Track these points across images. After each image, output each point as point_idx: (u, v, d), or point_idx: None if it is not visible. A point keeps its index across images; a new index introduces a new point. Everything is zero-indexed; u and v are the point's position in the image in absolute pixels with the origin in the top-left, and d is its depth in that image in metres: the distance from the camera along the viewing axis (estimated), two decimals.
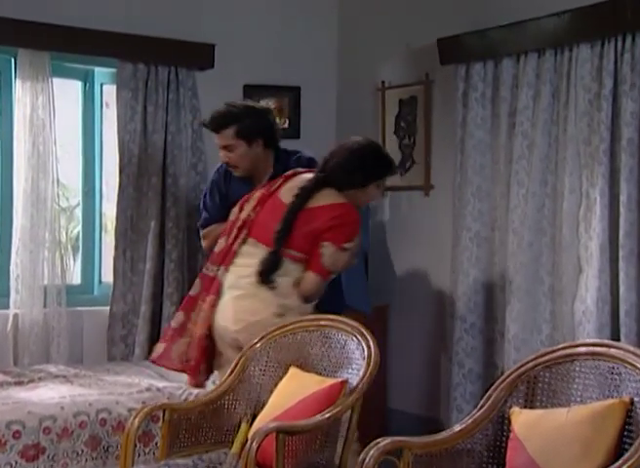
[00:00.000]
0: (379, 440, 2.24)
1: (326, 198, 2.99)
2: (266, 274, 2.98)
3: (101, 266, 4.55)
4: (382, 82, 4.77)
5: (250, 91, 4.85)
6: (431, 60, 4.35)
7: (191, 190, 4.56)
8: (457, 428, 2.38)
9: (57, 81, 4.24)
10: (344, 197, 3.02)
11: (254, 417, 2.90)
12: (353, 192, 3.00)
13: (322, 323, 3.00)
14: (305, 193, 2.99)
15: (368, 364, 2.76)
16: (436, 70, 4.42)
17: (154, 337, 4.35)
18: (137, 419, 2.67)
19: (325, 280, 3.03)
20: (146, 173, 4.45)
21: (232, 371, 3.02)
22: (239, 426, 2.90)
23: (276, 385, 2.94)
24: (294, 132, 4.97)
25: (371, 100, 4.85)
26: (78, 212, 4.93)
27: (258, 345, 3.06)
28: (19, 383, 3.54)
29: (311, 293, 3.03)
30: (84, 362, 4.19)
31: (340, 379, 2.77)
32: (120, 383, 3.58)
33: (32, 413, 3.16)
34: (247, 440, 2.58)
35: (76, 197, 4.98)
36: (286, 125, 4.96)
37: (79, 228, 4.78)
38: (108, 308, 4.33)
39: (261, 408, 2.91)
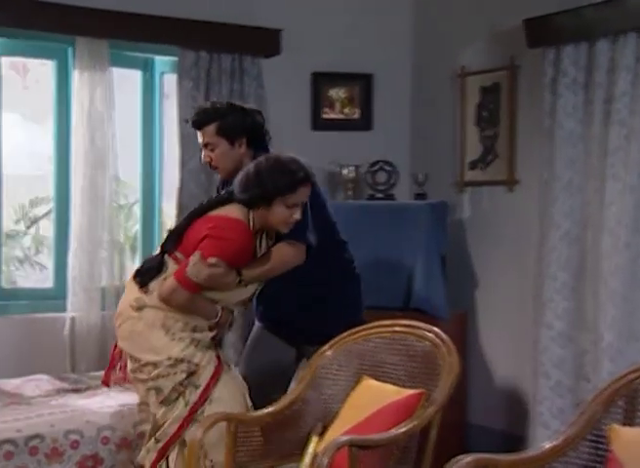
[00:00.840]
0: (460, 457, 2.23)
1: (224, 210, 2.95)
2: (141, 272, 2.98)
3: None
4: (462, 68, 4.74)
5: (318, 79, 4.89)
6: (517, 43, 4.31)
7: None
8: (547, 446, 2.35)
9: (115, 71, 4.35)
10: (255, 216, 2.93)
11: (324, 429, 2.92)
12: (260, 212, 2.92)
13: (398, 329, 3.02)
14: (210, 203, 3.02)
15: (448, 374, 2.75)
16: (522, 54, 4.37)
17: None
18: (200, 430, 2.71)
19: (184, 288, 2.86)
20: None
21: (302, 380, 3.05)
22: (308, 439, 2.92)
23: (348, 395, 2.95)
24: (365, 123, 4.99)
25: (449, 88, 4.82)
26: (137, 210, 5.04)
27: (328, 352, 3.09)
28: (76, 390, 3.63)
29: (167, 298, 2.89)
30: None
31: (417, 390, 2.77)
32: None
33: (90, 423, 3.24)
34: (317, 454, 2.60)
35: (135, 194, 5.09)
36: (357, 115, 4.97)
37: (138, 227, 4.89)
38: None
39: (332, 419, 2.93)
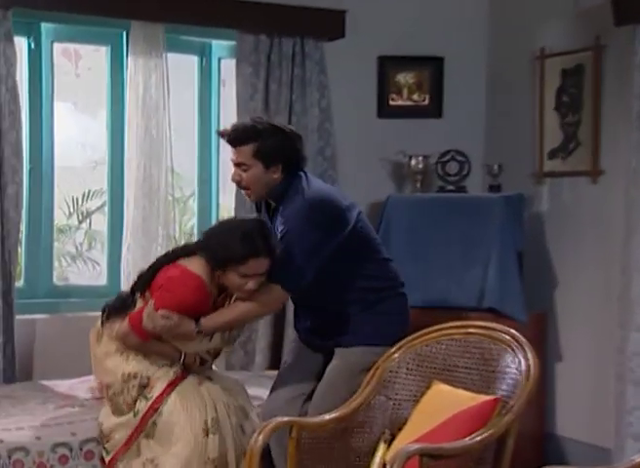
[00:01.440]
0: None
1: (188, 261, 3.06)
2: (108, 310, 3.13)
3: None
4: (542, 49, 4.66)
5: (385, 63, 4.87)
6: (603, 22, 4.22)
7: (318, 178, 4.61)
8: (637, 460, 2.30)
9: (170, 57, 4.39)
10: (220, 275, 3.01)
11: (393, 437, 2.91)
12: (219, 273, 3.01)
13: (471, 331, 3.00)
14: (176, 253, 3.13)
15: (526, 379, 2.72)
16: (609, 33, 4.28)
17: (277, 344, 4.44)
18: (261, 436, 2.73)
19: (135, 333, 3.01)
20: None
21: (367, 385, 3.04)
22: (375, 447, 2.92)
23: (418, 401, 2.94)
24: (435, 110, 4.96)
25: (527, 71, 4.75)
26: (193, 203, 5.10)
27: (395, 355, 3.08)
28: None
29: (121, 340, 3.05)
30: None
31: (492, 397, 2.75)
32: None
33: None
34: (385, 463, 2.59)
35: (191, 186, 5.14)
36: (426, 102, 4.94)
37: (194, 222, 4.94)
38: None
39: (401, 426, 2.92)
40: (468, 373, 2.93)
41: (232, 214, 4.56)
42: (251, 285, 3.00)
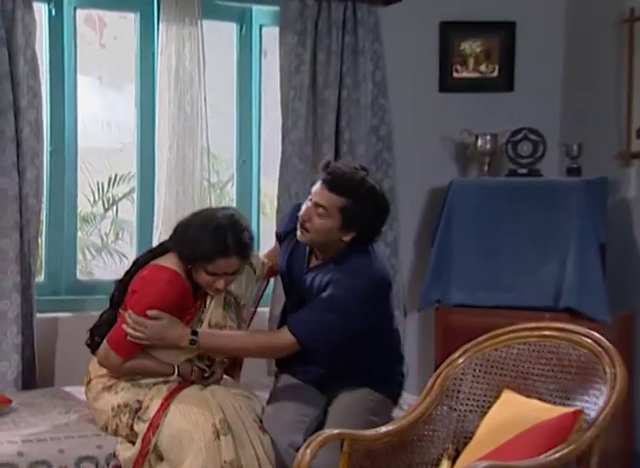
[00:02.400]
0: None
1: (159, 259, 3.22)
2: (92, 333, 3.29)
3: (260, 249, 4.68)
4: (631, 10, 4.60)
5: (448, 30, 4.85)
6: None
7: (372, 160, 4.62)
8: None
9: (206, 24, 4.40)
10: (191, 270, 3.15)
11: (457, 453, 2.91)
12: (190, 268, 3.17)
13: (547, 333, 2.98)
14: (153, 253, 3.29)
15: (611, 389, 2.70)
16: None
17: None
18: (309, 450, 2.75)
19: (114, 351, 3.16)
20: (315, 138, 4.55)
21: (428, 394, 3.04)
22: (438, 464, 2.92)
23: (486, 413, 2.93)
24: (506, 82, 4.93)
25: (613, 37, 4.69)
26: (231, 188, 5.12)
27: (460, 360, 3.07)
28: None
29: (103, 364, 3.21)
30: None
31: (572, 408, 2.73)
32: None
33: None
34: None
35: (228, 170, 5.19)
36: (495, 73, 4.91)
37: None
38: (268, 309, 4.46)
39: (467, 441, 2.91)
40: (544, 382, 2.91)
41: (274, 201, 4.58)
42: (219, 284, 3.15)
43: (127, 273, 3.29)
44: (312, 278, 3.27)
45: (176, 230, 3.23)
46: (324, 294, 3.17)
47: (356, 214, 3.17)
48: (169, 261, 3.19)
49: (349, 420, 3.17)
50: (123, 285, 3.25)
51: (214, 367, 3.30)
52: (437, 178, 4.80)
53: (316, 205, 3.18)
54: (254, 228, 4.63)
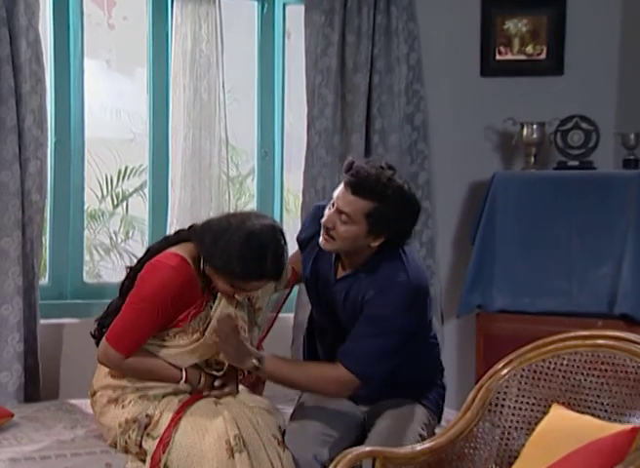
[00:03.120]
0: None
1: (176, 247, 3.23)
2: (99, 322, 3.33)
3: None
4: None
5: (491, 7, 4.84)
6: None
7: (405, 151, 4.62)
8: None
9: (225, 2, 4.41)
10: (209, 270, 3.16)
11: None
12: (208, 268, 3.17)
13: (600, 342, 2.96)
14: (169, 240, 3.31)
15: None
16: None
17: None
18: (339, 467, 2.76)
19: (113, 347, 3.17)
20: (344, 128, 4.55)
21: (468, 408, 3.03)
22: None
23: (532, 430, 2.92)
24: (555, 65, 4.91)
25: None
26: (251, 183, 5.13)
27: (504, 371, 3.06)
28: None
29: (103, 363, 3.23)
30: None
31: (629, 425, 2.70)
32: None
33: None
34: None
35: (249, 163, 5.19)
36: (543, 55, 4.89)
37: (252, 205, 4.96)
38: (292, 315, 4.46)
39: (512, 461, 2.90)
40: (597, 396, 2.90)
41: (300, 196, 4.58)
42: (239, 297, 3.20)
43: (139, 261, 3.29)
44: (343, 290, 3.27)
45: (203, 229, 3.18)
46: (364, 318, 3.18)
47: (384, 218, 3.16)
48: (183, 249, 3.19)
49: (399, 434, 3.17)
50: (134, 273, 3.25)
51: (225, 377, 3.30)
52: (478, 172, 4.79)
53: (339, 211, 3.18)
54: None
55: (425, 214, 4.64)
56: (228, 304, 3.22)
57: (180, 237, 3.28)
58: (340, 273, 3.32)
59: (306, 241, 3.47)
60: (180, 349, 3.19)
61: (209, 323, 3.20)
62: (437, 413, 3.43)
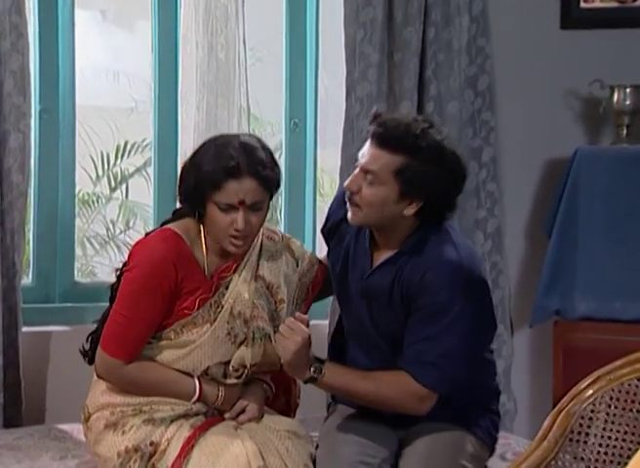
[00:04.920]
0: None
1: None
2: (91, 337, 3.39)
3: (317, 245, 4.70)
4: None
5: None
6: None
7: (467, 122, 4.64)
8: None
9: None
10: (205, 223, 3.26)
11: None
12: (204, 221, 3.26)
13: None
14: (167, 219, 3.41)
15: None
16: None
17: None
18: None
19: (108, 354, 3.23)
20: (391, 94, 4.55)
21: (544, 437, 3.03)
22: None
23: (625, 464, 2.90)
24: None
25: None
26: (278, 159, 5.12)
27: (589, 392, 3.05)
28: None
29: (100, 374, 3.28)
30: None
31: None
32: None
33: None
34: None
35: (275, 136, 5.18)
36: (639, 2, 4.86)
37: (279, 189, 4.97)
38: (327, 322, 4.47)
39: None
40: None
41: (336, 177, 4.58)
42: (238, 222, 3.15)
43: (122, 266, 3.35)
44: (383, 280, 3.25)
45: (184, 165, 3.31)
46: (416, 315, 3.18)
47: (418, 177, 3.14)
48: (178, 225, 3.27)
49: (437, 466, 3.18)
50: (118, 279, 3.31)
51: (247, 395, 3.31)
52: (557, 147, 4.78)
53: (364, 170, 3.18)
54: (308, 212, 4.70)
55: (491, 200, 4.63)
56: (243, 291, 3.26)
57: (180, 213, 3.34)
58: (377, 261, 3.32)
59: (333, 229, 3.47)
60: (189, 347, 3.21)
61: (220, 311, 3.24)
62: (489, 444, 3.42)
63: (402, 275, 3.22)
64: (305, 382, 3.22)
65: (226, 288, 3.26)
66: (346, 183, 3.22)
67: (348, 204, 3.24)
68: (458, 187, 3.26)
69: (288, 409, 3.48)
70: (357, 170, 3.20)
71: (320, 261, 3.53)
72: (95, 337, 3.33)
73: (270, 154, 3.24)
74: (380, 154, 3.16)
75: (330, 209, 3.56)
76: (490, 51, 4.65)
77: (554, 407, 3.11)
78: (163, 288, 3.16)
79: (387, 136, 3.15)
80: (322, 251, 3.72)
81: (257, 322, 3.27)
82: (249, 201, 3.15)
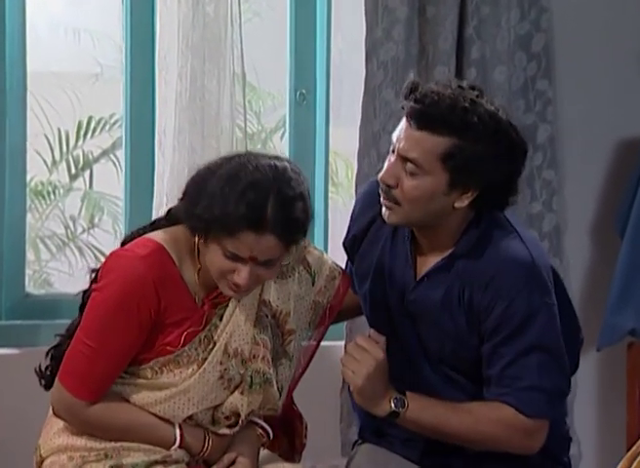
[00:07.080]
0: None
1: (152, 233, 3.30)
2: (52, 352, 3.36)
3: (328, 248, 4.75)
4: None
5: None
6: None
7: (518, 93, 4.68)
8: None
9: None
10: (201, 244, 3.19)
11: None
12: (200, 242, 3.19)
13: None
14: (141, 231, 3.35)
15: None
16: None
17: None
18: None
19: (70, 392, 3.18)
20: (423, 58, 4.60)
21: None
22: None
23: None
24: None
25: None
26: (280, 141, 5.16)
27: None
28: None
29: (56, 411, 3.26)
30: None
31: None
32: None
33: None
34: None
35: (277, 111, 5.21)
36: None
37: None
38: (342, 344, 4.49)
39: None
40: None
41: (353, 162, 4.60)
42: (240, 276, 3.09)
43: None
44: (432, 295, 3.26)
45: (192, 181, 3.19)
46: (490, 333, 3.19)
47: (470, 160, 3.14)
48: (165, 236, 3.23)
49: None
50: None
51: (237, 444, 3.30)
52: (629, 126, 4.80)
53: (403, 158, 3.17)
54: (318, 205, 4.71)
55: (547, 191, 4.65)
56: (241, 321, 3.22)
57: (171, 218, 3.29)
58: (423, 269, 3.32)
59: (360, 236, 3.47)
60: (169, 390, 3.18)
61: (212, 349, 3.20)
62: None
63: (460, 284, 3.22)
64: (384, 419, 3.21)
65: (220, 319, 3.22)
66: (381, 175, 3.21)
67: (384, 198, 3.23)
68: (519, 166, 3.25)
69: (292, 452, 3.47)
70: (392, 157, 3.19)
71: (343, 272, 3.49)
72: (56, 354, 3.29)
73: (307, 207, 3.12)
74: (420, 137, 3.14)
75: (353, 214, 3.56)
76: (546, 3, 4.68)
77: (628, 449, 3.14)
78: (141, 315, 3.11)
79: (429, 114, 3.13)
80: (335, 257, 3.70)
81: (257, 363, 3.22)
82: (262, 258, 3.08)
